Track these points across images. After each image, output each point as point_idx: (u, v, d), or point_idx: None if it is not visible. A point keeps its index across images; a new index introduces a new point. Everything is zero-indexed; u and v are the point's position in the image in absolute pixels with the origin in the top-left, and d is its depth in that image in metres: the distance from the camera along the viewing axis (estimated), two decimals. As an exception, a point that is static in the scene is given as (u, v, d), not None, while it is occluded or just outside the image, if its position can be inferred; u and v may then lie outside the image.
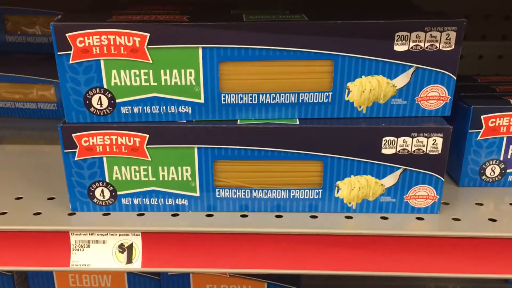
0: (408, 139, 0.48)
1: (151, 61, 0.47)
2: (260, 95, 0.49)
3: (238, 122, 0.49)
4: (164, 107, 0.49)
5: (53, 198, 0.55)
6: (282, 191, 0.51)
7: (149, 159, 0.50)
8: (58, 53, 0.47)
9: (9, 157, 0.67)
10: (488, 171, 0.57)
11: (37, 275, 0.69)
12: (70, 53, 0.47)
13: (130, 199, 0.52)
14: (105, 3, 0.58)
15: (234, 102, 0.49)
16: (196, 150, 0.49)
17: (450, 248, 0.49)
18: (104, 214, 0.52)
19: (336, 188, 0.51)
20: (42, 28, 0.80)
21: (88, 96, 0.48)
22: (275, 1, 0.60)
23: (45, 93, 0.79)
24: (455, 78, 0.49)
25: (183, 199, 0.52)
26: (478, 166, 0.56)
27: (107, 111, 0.49)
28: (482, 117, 0.54)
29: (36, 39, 0.80)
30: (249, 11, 0.52)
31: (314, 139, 0.49)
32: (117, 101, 0.49)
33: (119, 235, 0.50)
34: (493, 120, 0.54)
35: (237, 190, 0.51)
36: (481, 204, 0.54)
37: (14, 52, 0.81)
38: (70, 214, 0.52)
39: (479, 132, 0.55)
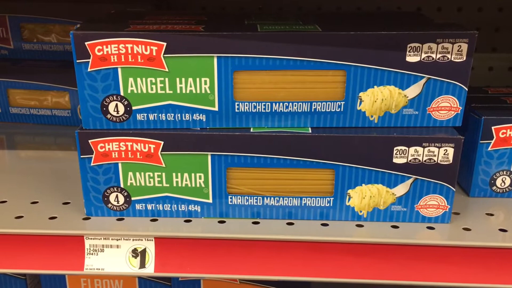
0: (420, 149, 0.49)
1: (167, 70, 0.48)
2: (273, 103, 0.50)
3: (251, 130, 0.50)
4: (179, 115, 0.50)
5: (68, 202, 0.56)
6: (294, 198, 0.52)
7: (163, 165, 0.51)
8: (77, 61, 0.48)
9: (24, 162, 0.68)
10: (498, 182, 0.57)
11: (49, 279, 0.70)
12: (89, 61, 0.48)
13: (144, 204, 0.53)
14: (122, 13, 0.59)
15: (248, 111, 0.50)
16: (209, 157, 0.50)
17: (460, 258, 0.49)
18: (118, 219, 0.53)
19: (348, 197, 0.51)
20: (58, 36, 0.82)
21: (105, 103, 0.49)
22: (288, 12, 0.61)
23: (59, 100, 0.80)
24: (467, 89, 0.49)
25: (196, 206, 0.52)
26: (489, 176, 0.57)
27: (123, 118, 0.50)
28: (493, 128, 0.55)
29: (52, 47, 0.82)
30: (263, 22, 0.53)
31: (326, 148, 0.49)
32: (133, 108, 0.50)
33: (133, 240, 0.50)
34: (504, 131, 0.55)
35: (249, 197, 0.52)
36: (492, 215, 0.54)
37: (30, 60, 0.83)
38: (84, 219, 0.53)
39: (490, 143, 0.55)
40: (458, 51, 0.48)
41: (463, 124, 0.51)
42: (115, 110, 0.50)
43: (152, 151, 0.50)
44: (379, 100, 0.49)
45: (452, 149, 0.49)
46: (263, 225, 0.52)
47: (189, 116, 0.50)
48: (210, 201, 0.52)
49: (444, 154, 0.49)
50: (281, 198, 0.52)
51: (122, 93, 0.49)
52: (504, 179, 0.57)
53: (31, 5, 0.80)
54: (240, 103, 0.50)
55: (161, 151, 0.50)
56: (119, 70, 0.48)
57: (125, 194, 0.52)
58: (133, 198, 0.52)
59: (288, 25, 0.51)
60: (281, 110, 0.50)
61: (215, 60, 0.48)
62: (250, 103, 0.50)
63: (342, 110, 0.50)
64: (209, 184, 0.51)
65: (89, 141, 0.50)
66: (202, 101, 0.49)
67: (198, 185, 0.52)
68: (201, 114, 0.50)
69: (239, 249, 0.50)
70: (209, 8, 0.88)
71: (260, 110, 0.50)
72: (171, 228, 0.51)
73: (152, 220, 0.53)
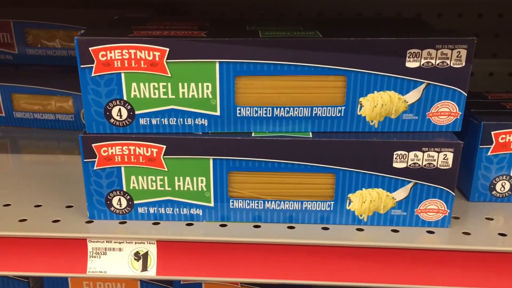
0: (419, 154, 0.49)
1: (170, 75, 0.49)
2: (275, 108, 0.50)
3: (253, 134, 0.51)
4: (181, 119, 0.51)
5: (71, 206, 0.56)
6: (295, 202, 0.52)
7: (166, 169, 0.51)
8: (81, 66, 0.48)
9: (28, 166, 0.68)
10: (498, 187, 0.57)
11: (52, 282, 0.71)
12: (93, 66, 0.48)
13: (146, 208, 0.53)
14: (125, 18, 0.60)
15: (249, 115, 0.51)
16: (211, 161, 0.51)
17: (460, 262, 0.49)
18: (120, 223, 0.53)
19: (348, 201, 0.52)
20: (62, 42, 0.82)
21: (109, 108, 0.50)
22: (290, 18, 0.62)
23: (63, 105, 0.81)
24: (466, 95, 0.50)
25: (198, 209, 0.53)
26: (488, 181, 0.57)
27: (126, 122, 0.51)
28: (492, 133, 0.55)
29: (56, 52, 0.83)
30: (264, 28, 0.53)
31: (326, 152, 0.50)
32: (136, 112, 0.50)
33: (135, 243, 0.51)
34: (504, 136, 0.55)
35: (251, 201, 0.52)
36: (491, 219, 0.54)
37: (34, 65, 0.84)
38: (87, 222, 0.53)
39: (489, 148, 0.56)
40: (457, 57, 0.48)
41: (462, 129, 0.51)
42: (118, 114, 0.50)
43: (154, 155, 0.51)
44: (379, 105, 0.50)
45: (452, 154, 0.49)
46: (264, 229, 0.52)
47: (191, 121, 0.51)
48: (212, 205, 0.53)
49: (443, 159, 0.49)
50: (282, 202, 0.52)
51: (125, 98, 0.50)
52: (503, 184, 0.57)
53: (35, 11, 0.81)
54: (242, 108, 0.50)
55: (163, 155, 0.51)
56: (123, 75, 0.49)
57: (128, 197, 0.53)
58: (135, 202, 0.53)
59: (289, 31, 0.51)
60: (282, 115, 0.51)
61: (217, 65, 0.49)
62: (252, 108, 0.50)
63: (342, 115, 0.51)
64: (211, 188, 0.52)
65: (93, 145, 0.51)
66: (204, 106, 0.50)
67: (200, 189, 0.52)
68: (203, 119, 0.51)
69: (240, 253, 0.51)
70: (210, 13, 0.89)
71: (261, 115, 0.51)
72: (173, 231, 0.52)
73: (154, 224, 0.53)
